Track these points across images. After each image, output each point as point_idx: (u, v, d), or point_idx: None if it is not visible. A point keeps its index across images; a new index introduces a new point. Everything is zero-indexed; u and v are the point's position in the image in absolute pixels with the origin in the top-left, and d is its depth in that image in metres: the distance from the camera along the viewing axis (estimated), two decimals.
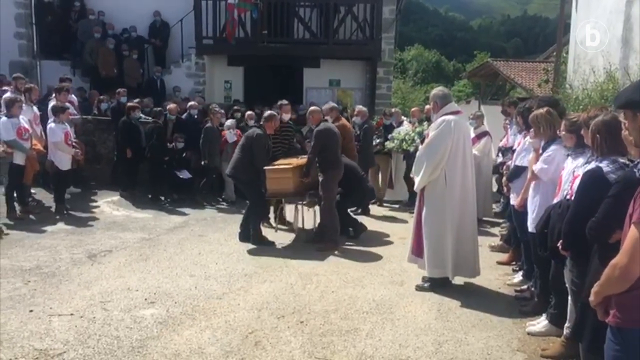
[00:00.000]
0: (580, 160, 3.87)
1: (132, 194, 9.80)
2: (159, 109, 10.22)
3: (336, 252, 6.79)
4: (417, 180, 5.47)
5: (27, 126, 7.95)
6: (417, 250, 5.55)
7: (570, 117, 4.31)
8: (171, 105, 10.60)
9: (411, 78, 60.01)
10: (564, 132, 4.24)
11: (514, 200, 5.44)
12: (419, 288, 5.48)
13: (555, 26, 18.02)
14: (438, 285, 5.43)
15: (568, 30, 11.63)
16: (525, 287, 5.42)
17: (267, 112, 7.85)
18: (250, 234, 7.21)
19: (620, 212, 3.01)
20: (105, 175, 10.62)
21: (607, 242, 3.14)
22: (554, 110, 4.67)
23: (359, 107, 9.98)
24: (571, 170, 3.91)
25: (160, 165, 9.70)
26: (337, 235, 7.11)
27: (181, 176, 9.80)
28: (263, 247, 6.98)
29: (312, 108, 8.30)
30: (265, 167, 7.08)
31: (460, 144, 5.31)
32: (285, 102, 9.04)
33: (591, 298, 2.49)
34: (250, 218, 7.28)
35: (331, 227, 7.06)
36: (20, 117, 7.88)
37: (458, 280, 5.57)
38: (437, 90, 5.65)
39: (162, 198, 9.84)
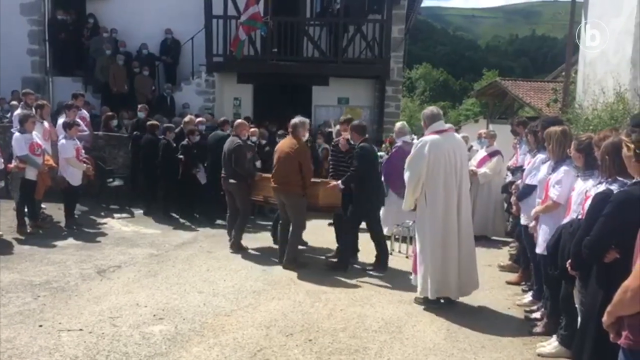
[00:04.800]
0: (590, 181, 3.89)
1: (152, 210, 9.78)
2: (169, 125, 10.22)
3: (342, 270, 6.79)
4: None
5: (40, 142, 8.04)
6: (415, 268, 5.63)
7: (579, 137, 4.34)
8: (186, 118, 10.32)
9: (419, 96, 60.32)
10: (573, 152, 4.26)
11: (523, 220, 5.43)
12: (418, 300, 5.59)
13: (563, 46, 18.06)
14: (427, 302, 5.49)
15: (577, 50, 11.65)
16: (535, 307, 5.38)
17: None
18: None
19: (614, 231, 3.03)
20: (112, 190, 10.51)
21: (603, 262, 3.16)
22: (569, 131, 4.69)
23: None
24: (582, 191, 3.92)
25: (172, 182, 9.63)
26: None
27: (201, 180, 9.45)
28: (272, 263, 6.97)
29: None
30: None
31: (441, 162, 5.25)
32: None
33: (604, 318, 2.48)
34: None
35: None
36: (34, 132, 7.97)
37: (467, 300, 5.55)
38: (426, 110, 5.74)
39: (177, 215, 9.68)
